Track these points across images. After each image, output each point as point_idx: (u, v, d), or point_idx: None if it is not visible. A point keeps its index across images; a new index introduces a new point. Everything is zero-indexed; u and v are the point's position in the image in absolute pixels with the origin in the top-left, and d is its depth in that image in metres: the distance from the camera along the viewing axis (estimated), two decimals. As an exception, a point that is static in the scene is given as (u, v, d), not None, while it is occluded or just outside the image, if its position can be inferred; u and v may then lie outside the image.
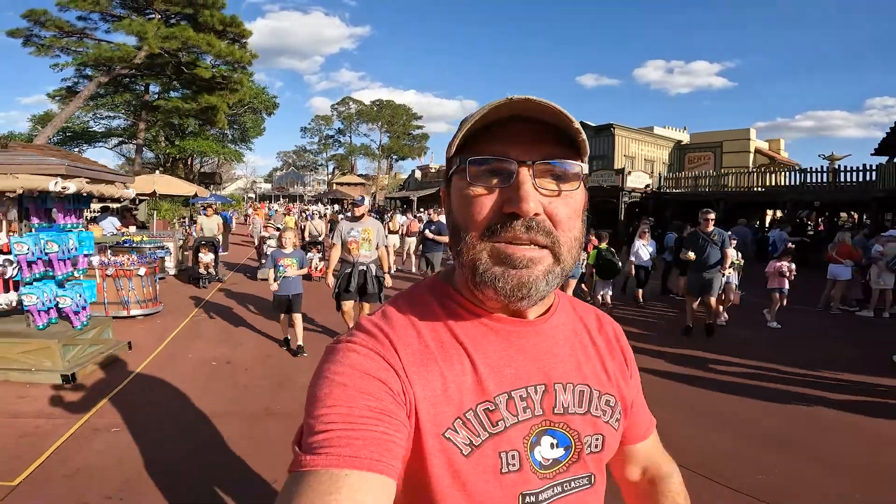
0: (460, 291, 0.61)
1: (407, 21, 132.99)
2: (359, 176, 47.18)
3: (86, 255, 4.29)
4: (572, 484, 0.61)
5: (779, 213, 20.50)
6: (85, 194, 3.87)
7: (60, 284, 4.06)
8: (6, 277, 3.78)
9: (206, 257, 8.63)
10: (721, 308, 6.38)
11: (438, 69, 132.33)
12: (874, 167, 14.90)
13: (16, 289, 4.03)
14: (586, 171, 0.57)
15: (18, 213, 3.78)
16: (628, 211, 20.33)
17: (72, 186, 3.50)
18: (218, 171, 39.09)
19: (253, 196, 49.15)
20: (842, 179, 15.70)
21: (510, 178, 0.53)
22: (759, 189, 18.32)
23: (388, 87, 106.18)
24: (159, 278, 7.02)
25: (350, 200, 5.61)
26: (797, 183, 17.08)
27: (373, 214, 7.65)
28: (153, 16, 22.23)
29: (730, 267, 5.94)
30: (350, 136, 51.00)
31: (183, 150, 28.67)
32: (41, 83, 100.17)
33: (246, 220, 23.65)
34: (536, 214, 0.53)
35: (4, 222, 3.83)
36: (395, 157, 50.60)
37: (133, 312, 6.13)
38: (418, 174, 37.31)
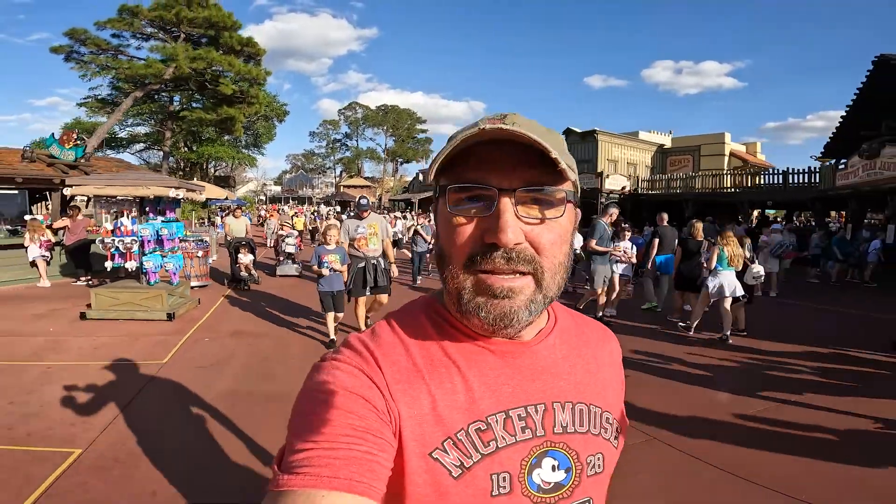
0: (452, 312, 0.59)
1: (414, 23, 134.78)
2: (365, 178, 49.38)
3: (179, 239, 6.56)
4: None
5: (756, 213, 22.55)
6: (181, 198, 6.13)
7: (163, 255, 6.31)
8: (132, 251, 6.01)
9: (246, 258, 8.76)
10: (606, 299, 6.65)
11: (446, 71, 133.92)
12: (817, 169, 16.87)
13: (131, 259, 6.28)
14: (571, 196, 0.55)
15: (140, 209, 6.04)
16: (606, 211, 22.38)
17: (181, 193, 5.75)
18: (232, 175, 41.60)
19: (263, 198, 51.51)
20: (791, 181, 17.68)
21: (490, 207, 0.52)
22: (726, 190, 20.30)
23: (395, 88, 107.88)
24: (211, 260, 9.31)
25: (354, 203, 6.57)
26: (753, 185, 19.07)
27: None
28: (179, 34, 24.73)
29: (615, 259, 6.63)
30: (357, 140, 53.37)
31: (201, 155, 31.24)
32: (51, 85, 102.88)
33: (259, 222, 25.85)
34: (518, 244, 0.51)
35: (129, 215, 6.07)
36: (399, 160, 52.85)
37: (193, 284, 8.38)
38: (421, 177, 39.63)
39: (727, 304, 5.65)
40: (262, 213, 27.78)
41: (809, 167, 17.05)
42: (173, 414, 3.60)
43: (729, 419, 3.59)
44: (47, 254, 8.53)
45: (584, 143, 26.30)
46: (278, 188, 56.95)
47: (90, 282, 8.30)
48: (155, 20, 24.47)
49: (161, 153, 30.60)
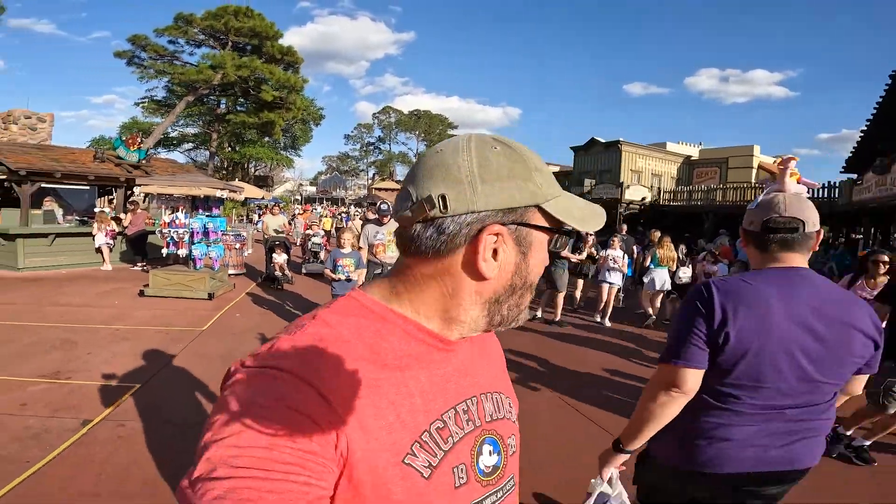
0: (398, 311, 0.59)
1: (451, 28, 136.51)
2: (396, 182, 50.85)
3: (221, 232, 7.79)
4: (505, 488, 0.64)
5: None
6: (224, 198, 7.34)
7: (208, 245, 7.52)
8: (184, 240, 7.24)
9: (280, 258, 8.95)
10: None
11: (482, 76, 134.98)
12: (838, 184, 16.92)
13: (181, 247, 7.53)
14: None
15: (192, 206, 7.28)
16: (626, 222, 22.78)
17: (225, 193, 6.95)
18: (270, 175, 43.82)
19: (299, 198, 53.72)
20: (813, 195, 17.73)
21: None
22: (746, 203, 20.44)
23: (430, 92, 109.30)
24: (247, 253, 10.58)
25: (375, 207, 7.03)
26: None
27: None
28: (227, 42, 26.79)
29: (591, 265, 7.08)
30: (389, 144, 55.03)
31: (243, 155, 33.31)
32: (109, 83, 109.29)
33: (290, 220, 27.37)
34: None
35: (183, 210, 7.31)
36: (430, 164, 54.11)
37: (230, 271, 9.61)
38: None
39: (659, 295, 7.13)
40: (296, 212, 29.43)
41: (828, 182, 17.12)
42: (208, 365, 4.66)
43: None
44: (111, 241, 9.95)
45: (607, 153, 26.76)
46: (314, 189, 59.11)
47: (144, 267, 9.65)
48: (206, 29, 26.63)
49: (207, 153, 32.87)
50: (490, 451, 0.62)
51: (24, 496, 2.48)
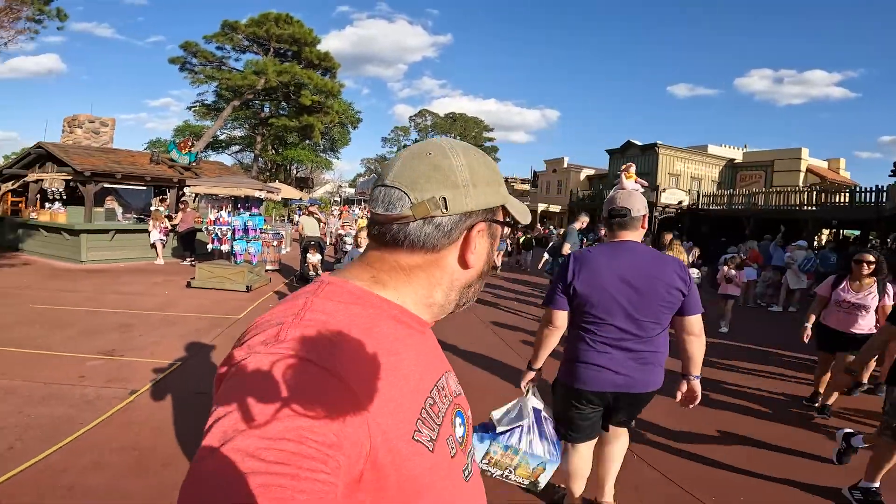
0: (385, 298, 0.63)
1: (488, 30, 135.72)
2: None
3: (260, 230, 8.41)
4: (469, 455, 0.71)
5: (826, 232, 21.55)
6: (263, 198, 7.94)
7: (247, 241, 8.14)
8: (226, 237, 7.88)
9: (314, 258, 9.04)
10: None
11: (520, 78, 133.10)
12: (886, 188, 16.11)
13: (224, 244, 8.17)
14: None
15: (234, 205, 7.91)
16: (661, 226, 22.39)
17: (263, 194, 7.54)
18: (311, 177, 45.36)
19: (338, 199, 55.11)
20: (858, 200, 16.97)
21: None
22: (788, 207, 19.70)
23: (468, 95, 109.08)
24: (285, 251, 11.24)
25: None
26: (819, 203, 18.42)
27: None
28: (269, 48, 28.12)
29: None
30: (426, 147, 55.71)
31: (285, 157, 34.74)
32: (164, 87, 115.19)
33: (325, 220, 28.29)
34: None
35: (226, 210, 7.95)
36: (466, 167, 54.47)
37: (267, 267, 10.27)
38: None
39: None
40: (335, 212, 30.38)
41: (877, 185, 16.32)
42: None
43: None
44: (164, 238, 10.82)
45: (643, 156, 26.29)
46: (353, 190, 60.44)
47: (192, 261, 10.44)
48: (250, 35, 28.06)
49: (252, 155, 34.48)
50: (459, 423, 0.69)
51: (76, 450, 2.95)
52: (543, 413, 2.09)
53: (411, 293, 0.65)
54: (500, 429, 2.01)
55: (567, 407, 2.18)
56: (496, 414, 2.10)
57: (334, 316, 0.57)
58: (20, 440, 2.97)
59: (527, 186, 38.53)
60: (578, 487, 2.34)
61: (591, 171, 32.08)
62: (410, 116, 56.78)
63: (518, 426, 2.00)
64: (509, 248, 14.08)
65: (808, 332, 4.19)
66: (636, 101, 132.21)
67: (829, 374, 4.14)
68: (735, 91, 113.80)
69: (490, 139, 54.75)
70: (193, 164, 12.31)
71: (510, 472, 2.00)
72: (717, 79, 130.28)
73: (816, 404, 4.16)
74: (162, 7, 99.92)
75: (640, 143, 26.53)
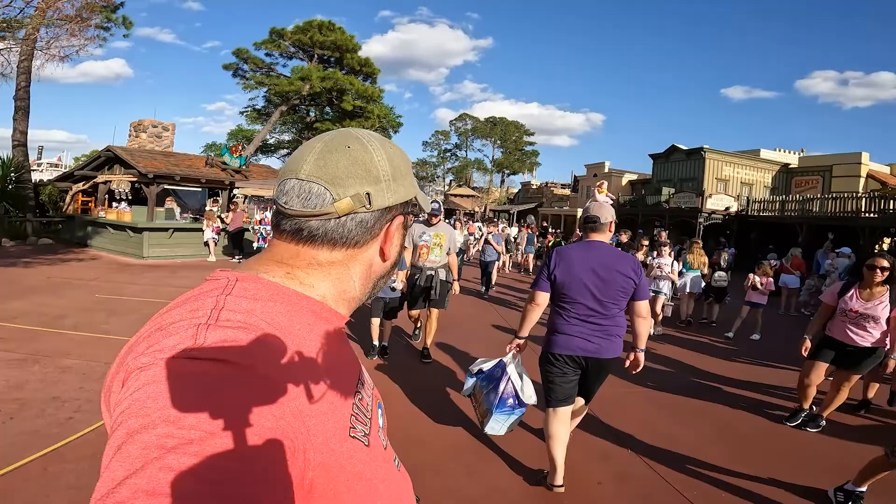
0: (302, 293, 0.60)
1: (530, 33, 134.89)
2: (472, 189, 51.56)
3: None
4: (389, 441, 0.71)
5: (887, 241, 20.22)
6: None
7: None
8: (270, 236, 8.34)
9: None
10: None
11: (563, 81, 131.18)
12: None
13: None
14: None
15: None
16: (707, 232, 21.63)
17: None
18: (418, 212, 46.32)
19: (380, 202, 55.71)
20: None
21: None
22: (844, 214, 18.63)
23: (509, 99, 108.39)
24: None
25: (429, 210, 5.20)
26: (878, 210, 17.33)
27: (448, 221, 8.53)
28: (313, 54, 29.19)
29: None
30: (466, 151, 55.92)
31: (330, 161, 35.80)
32: (220, 91, 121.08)
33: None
34: None
35: (271, 210, 8.41)
36: (506, 171, 54.29)
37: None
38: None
39: (692, 297, 7.54)
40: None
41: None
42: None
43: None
44: (216, 236, 11.51)
45: (689, 161, 25.54)
46: (393, 193, 60.88)
47: (240, 259, 11.04)
48: (295, 42, 29.20)
49: (297, 158, 35.72)
50: (381, 414, 0.70)
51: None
52: (511, 377, 2.70)
53: (330, 288, 0.62)
54: (478, 369, 2.86)
55: (548, 372, 2.70)
56: (479, 361, 2.90)
57: (253, 314, 0.52)
58: (79, 411, 3.33)
59: (566, 191, 38.01)
60: (560, 453, 2.69)
61: (634, 176, 31.37)
62: (451, 121, 57.07)
63: (490, 375, 2.80)
64: (539, 252, 14.03)
65: (808, 345, 3.79)
66: (685, 105, 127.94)
67: (812, 386, 3.79)
68: (796, 93, 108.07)
69: (531, 143, 54.34)
70: (244, 167, 13.01)
71: (478, 405, 2.84)
72: (776, 81, 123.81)
73: (802, 418, 3.84)
74: (217, 13, 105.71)
75: (685, 148, 25.75)
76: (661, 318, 6.83)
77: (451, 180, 56.72)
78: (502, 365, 2.75)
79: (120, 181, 11.40)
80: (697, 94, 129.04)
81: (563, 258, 2.67)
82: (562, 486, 2.70)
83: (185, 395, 0.42)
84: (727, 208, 21.87)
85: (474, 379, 2.89)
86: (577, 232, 4.25)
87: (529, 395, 2.67)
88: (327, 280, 0.62)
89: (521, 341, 2.82)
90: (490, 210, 43.07)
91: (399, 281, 4.73)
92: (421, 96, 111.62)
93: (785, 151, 28.24)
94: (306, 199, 0.59)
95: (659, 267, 6.71)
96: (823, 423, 3.80)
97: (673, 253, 7.01)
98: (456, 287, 5.00)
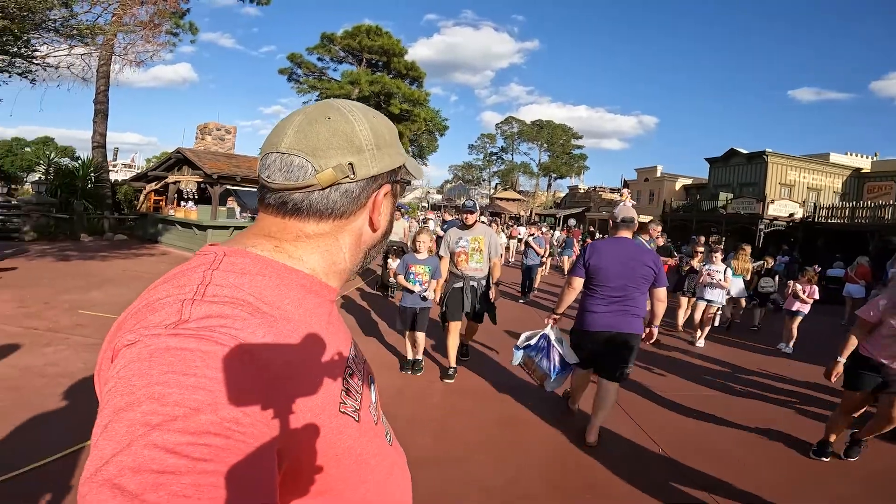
0: (291, 266, 0.59)
1: (577, 34, 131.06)
2: (517, 192, 51.13)
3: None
4: (384, 418, 0.72)
5: None
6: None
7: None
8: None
9: (395, 264, 8.08)
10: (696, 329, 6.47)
11: (613, 83, 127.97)
12: None
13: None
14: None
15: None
16: (768, 239, 20.49)
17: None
18: (409, 180, 47.05)
19: (426, 205, 56.47)
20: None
21: None
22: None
23: (556, 101, 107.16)
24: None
25: (458, 207, 6.20)
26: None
27: (483, 221, 8.26)
28: (362, 59, 29.98)
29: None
30: (512, 154, 55.59)
31: (377, 164, 36.58)
32: (275, 95, 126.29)
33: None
34: None
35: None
36: (553, 175, 53.53)
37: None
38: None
39: (742, 302, 7.58)
40: (421, 218, 31.48)
41: None
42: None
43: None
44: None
45: (749, 165, 24.30)
46: (440, 196, 61.61)
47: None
48: (345, 47, 30.09)
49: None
50: (373, 389, 0.69)
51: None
52: (554, 345, 3.36)
53: (319, 260, 0.62)
54: (526, 343, 3.51)
55: (576, 342, 3.36)
56: (524, 337, 3.54)
57: (240, 289, 0.52)
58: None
59: (616, 196, 37.05)
60: (578, 397, 3.68)
61: (689, 181, 30.16)
62: (497, 124, 56.92)
63: (538, 346, 3.45)
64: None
65: (839, 370, 3.15)
66: (746, 108, 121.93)
67: (850, 419, 3.27)
68: (871, 95, 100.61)
69: (579, 147, 53.35)
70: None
71: (531, 372, 3.51)
72: (849, 82, 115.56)
73: (829, 452, 3.29)
74: (272, 17, 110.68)
75: (745, 151, 24.52)
76: (707, 329, 6.42)
77: (496, 184, 56.50)
78: (546, 336, 3.41)
79: (188, 181, 12.15)
80: (761, 96, 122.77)
81: (596, 250, 3.26)
82: (576, 406, 3.73)
83: (169, 371, 0.42)
84: (791, 215, 20.66)
85: (522, 351, 3.53)
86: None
87: (571, 357, 3.33)
88: (316, 252, 0.61)
89: (557, 317, 3.47)
90: (536, 214, 42.55)
91: (430, 290, 4.23)
92: (466, 99, 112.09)
93: (857, 155, 26.38)
94: (288, 172, 0.58)
95: (709, 274, 6.31)
96: (865, 447, 3.32)
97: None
98: (493, 293, 4.43)
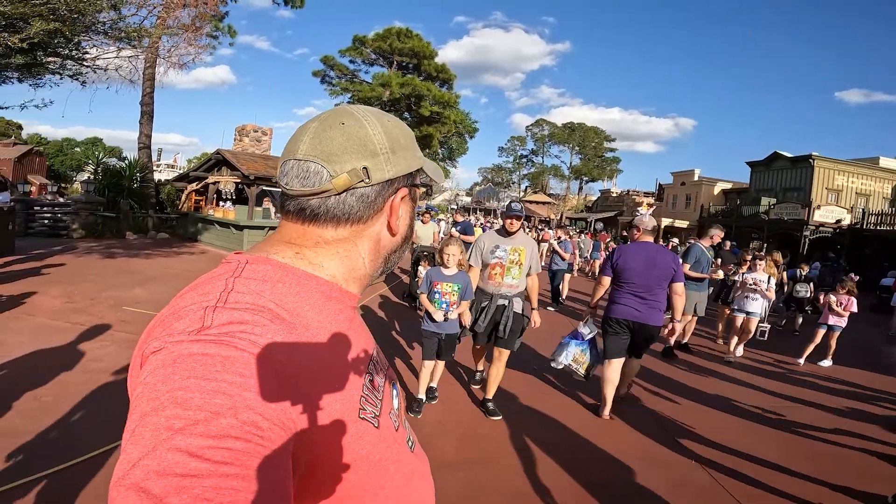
0: (311, 273, 0.60)
1: (609, 36, 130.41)
2: (547, 195, 50.54)
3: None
4: (406, 425, 0.70)
5: None
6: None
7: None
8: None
9: (424, 272, 7.17)
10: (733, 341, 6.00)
11: (648, 85, 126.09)
12: None
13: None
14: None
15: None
16: (814, 246, 19.60)
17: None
18: (430, 184, 47.26)
19: (455, 207, 56.57)
20: None
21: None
22: None
23: (588, 104, 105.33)
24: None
25: (502, 209, 4.24)
26: None
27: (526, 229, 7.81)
28: (392, 61, 30.27)
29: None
30: (542, 157, 55.02)
31: (408, 166, 36.84)
32: (308, 97, 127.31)
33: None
34: None
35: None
36: (584, 178, 52.68)
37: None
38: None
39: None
40: (449, 220, 31.48)
41: None
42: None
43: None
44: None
45: (794, 169, 23.32)
46: (469, 199, 61.65)
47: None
48: (376, 49, 30.44)
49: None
50: (395, 395, 0.69)
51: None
52: (594, 336, 3.84)
53: (339, 266, 0.62)
54: (571, 340, 3.87)
55: (606, 332, 3.75)
56: (568, 338, 3.89)
57: (262, 296, 0.53)
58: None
59: (650, 199, 36.16)
60: (610, 392, 3.72)
61: (728, 185, 29.15)
62: (527, 126, 56.45)
63: (582, 339, 3.84)
64: None
65: None
66: (789, 110, 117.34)
67: None
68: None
69: (611, 149, 52.34)
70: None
71: (579, 366, 3.78)
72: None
73: None
74: (306, 20, 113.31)
75: (789, 155, 23.54)
76: (744, 340, 6.02)
77: (526, 186, 56.06)
78: (589, 326, 3.85)
79: (226, 182, 12.49)
80: (806, 99, 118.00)
81: (623, 252, 3.77)
82: (610, 417, 3.74)
83: (191, 376, 0.43)
84: (838, 221, 19.72)
85: (569, 348, 3.81)
86: (635, 233, 4.16)
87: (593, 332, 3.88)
88: (336, 258, 0.62)
89: (591, 309, 3.97)
90: (566, 218, 41.98)
91: (455, 311, 3.44)
92: (497, 101, 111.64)
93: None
94: (305, 178, 0.59)
95: (755, 283, 5.85)
96: None
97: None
98: (536, 319, 3.70)
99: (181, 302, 0.53)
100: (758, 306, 5.86)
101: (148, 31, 10.88)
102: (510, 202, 3.85)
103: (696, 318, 6.06)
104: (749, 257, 6.49)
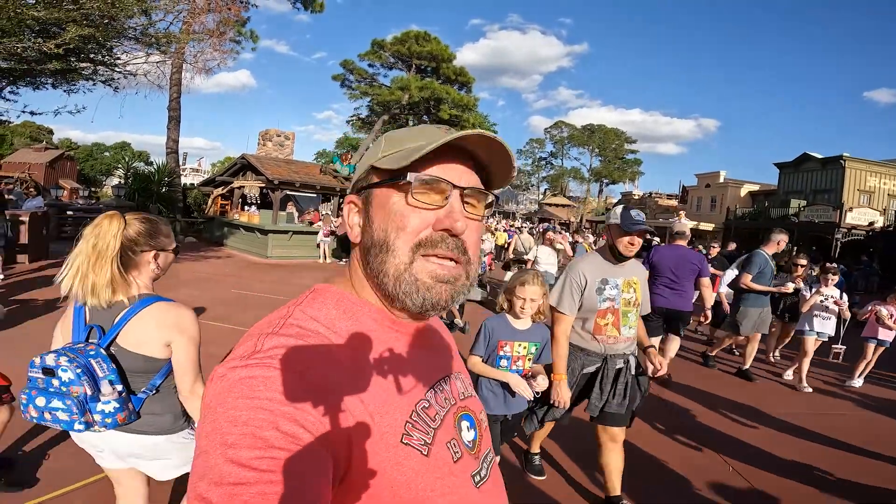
0: (359, 296, 0.63)
1: (628, 36, 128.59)
2: (567, 198, 50.05)
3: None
4: (487, 459, 0.68)
5: None
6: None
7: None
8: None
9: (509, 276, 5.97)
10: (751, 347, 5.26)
11: (668, 86, 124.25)
12: None
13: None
14: (492, 201, 0.63)
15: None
16: (845, 250, 18.99)
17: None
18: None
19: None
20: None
21: (445, 199, 0.58)
22: None
23: (608, 105, 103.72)
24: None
25: (614, 218, 2.27)
26: None
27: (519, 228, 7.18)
28: (411, 65, 30.39)
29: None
30: (561, 159, 54.55)
31: (427, 169, 36.97)
32: (327, 101, 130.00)
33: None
34: (462, 234, 0.59)
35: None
36: (605, 180, 52.03)
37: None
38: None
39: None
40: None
41: None
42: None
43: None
44: (328, 239, 12.37)
45: (824, 171, 22.68)
46: (486, 201, 60.80)
47: (346, 262, 11.71)
48: (394, 53, 30.57)
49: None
50: (467, 427, 0.67)
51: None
52: None
53: (368, 286, 0.64)
54: None
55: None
56: None
57: (315, 321, 0.58)
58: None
59: (673, 202, 35.53)
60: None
61: (755, 187, 28.48)
62: (546, 129, 56.04)
63: None
64: None
65: None
66: (817, 111, 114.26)
67: None
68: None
69: (632, 151, 51.59)
70: (352, 174, 13.83)
71: None
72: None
73: None
74: (323, 24, 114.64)
75: (819, 156, 22.89)
76: (808, 365, 5.04)
77: (545, 189, 55.63)
78: None
79: (251, 186, 12.69)
80: (833, 99, 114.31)
81: (658, 252, 4.76)
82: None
83: (240, 397, 0.48)
84: (871, 223, 19.09)
85: None
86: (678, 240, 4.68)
87: None
88: (362, 279, 0.65)
89: None
90: (587, 221, 41.53)
91: (541, 383, 2.12)
92: (514, 104, 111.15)
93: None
94: None
95: (827, 301, 4.96)
96: None
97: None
98: (659, 363, 2.45)
99: (252, 329, 0.59)
100: (831, 326, 5.03)
101: (176, 37, 11.10)
102: (625, 208, 2.32)
103: (758, 337, 5.16)
104: (803, 263, 5.43)
